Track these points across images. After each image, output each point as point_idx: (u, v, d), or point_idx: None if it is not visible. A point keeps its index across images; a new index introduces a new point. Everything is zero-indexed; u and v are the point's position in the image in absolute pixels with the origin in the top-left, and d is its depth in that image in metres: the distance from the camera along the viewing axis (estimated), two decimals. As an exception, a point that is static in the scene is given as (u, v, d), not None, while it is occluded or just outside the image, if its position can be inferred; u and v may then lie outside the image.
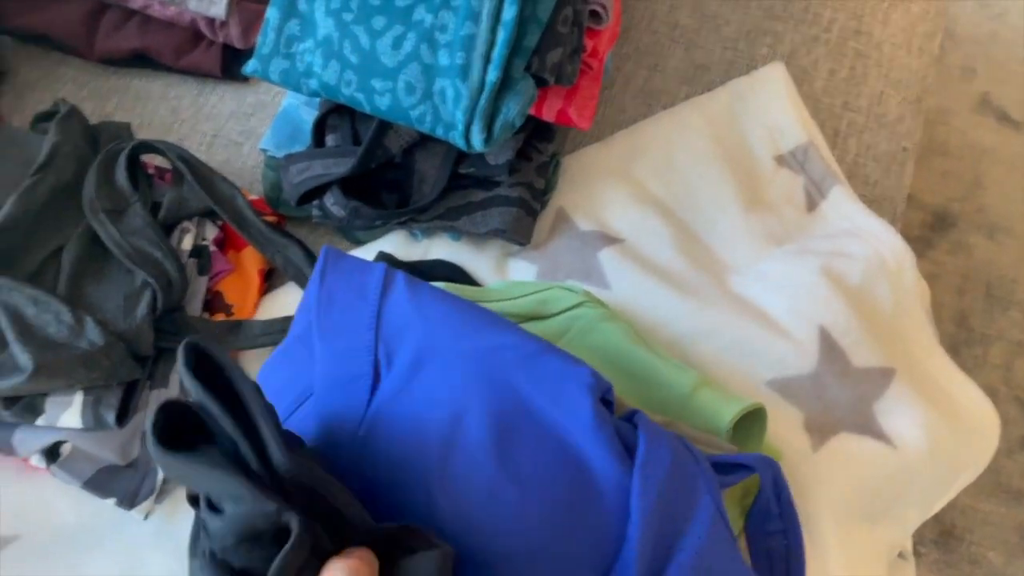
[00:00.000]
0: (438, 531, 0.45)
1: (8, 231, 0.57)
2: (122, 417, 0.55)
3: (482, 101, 0.53)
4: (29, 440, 0.55)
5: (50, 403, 0.55)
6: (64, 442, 0.55)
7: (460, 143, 0.56)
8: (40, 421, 0.55)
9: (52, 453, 0.56)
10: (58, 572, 0.56)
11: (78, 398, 0.54)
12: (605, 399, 0.48)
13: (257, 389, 0.36)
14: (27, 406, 0.54)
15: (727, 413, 0.51)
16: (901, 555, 0.64)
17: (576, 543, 0.45)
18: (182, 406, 0.35)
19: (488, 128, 0.54)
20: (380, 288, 0.51)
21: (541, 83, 0.56)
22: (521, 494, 0.44)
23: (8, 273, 0.56)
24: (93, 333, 0.54)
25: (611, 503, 0.45)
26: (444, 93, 0.55)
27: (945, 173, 1.34)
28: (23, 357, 0.52)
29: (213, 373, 0.36)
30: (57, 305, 0.55)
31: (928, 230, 1.23)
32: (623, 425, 0.48)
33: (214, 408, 0.35)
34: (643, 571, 0.45)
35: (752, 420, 0.53)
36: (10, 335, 0.54)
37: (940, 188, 1.34)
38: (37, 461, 0.56)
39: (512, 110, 0.54)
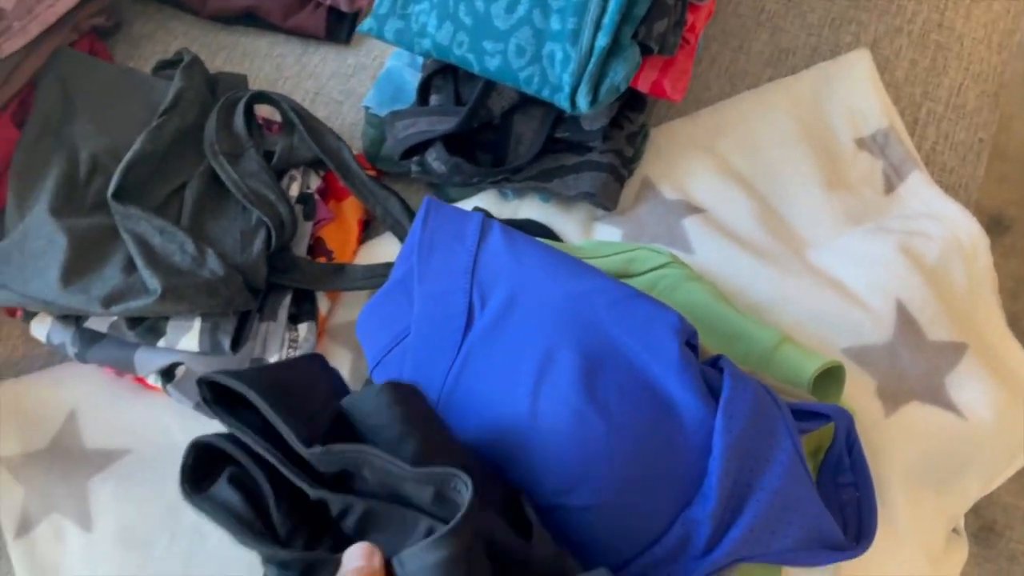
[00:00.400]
0: (526, 462, 0.48)
1: (137, 166, 0.61)
2: (236, 344, 0.59)
3: (591, 65, 0.57)
4: (149, 360, 0.59)
5: (171, 326, 0.59)
6: (180, 364, 0.59)
7: (565, 105, 0.59)
8: (160, 343, 0.59)
9: (168, 374, 0.60)
10: (166, 486, 0.60)
11: (197, 323, 0.58)
12: (690, 343, 0.51)
13: (277, 398, 0.40)
14: (150, 328, 0.59)
15: (809, 367, 0.53)
16: (955, 531, 0.66)
17: (660, 476, 0.48)
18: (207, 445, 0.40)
19: (594, 91, 0.58)
20: (478, 235, 0.54)
21: (646, 51, 0.59)
22: (608, 428, 0.47)
23: (137, 204, 0.60)
24: (214, 263, 0.58)
25: (694, 439, 0.48)
26: (553, 56, 0.58)
27: (1003, 177, 1.35)
28: (152, 281, 0.56)
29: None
30: (182, 236, 0.59)
31: (983, 233, 1.24)
32: (708, 369, 0.51)
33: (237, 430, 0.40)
34: (722, 505, 0.48)
35: (830, 380, 0.56)
36: (139, 261, 0.58)
37: (997, 192, 1.35)
38: (154, 380, 0.60)
39: (619, 75, 0.57)
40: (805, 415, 0.52)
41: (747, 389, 0.49)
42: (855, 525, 0.53)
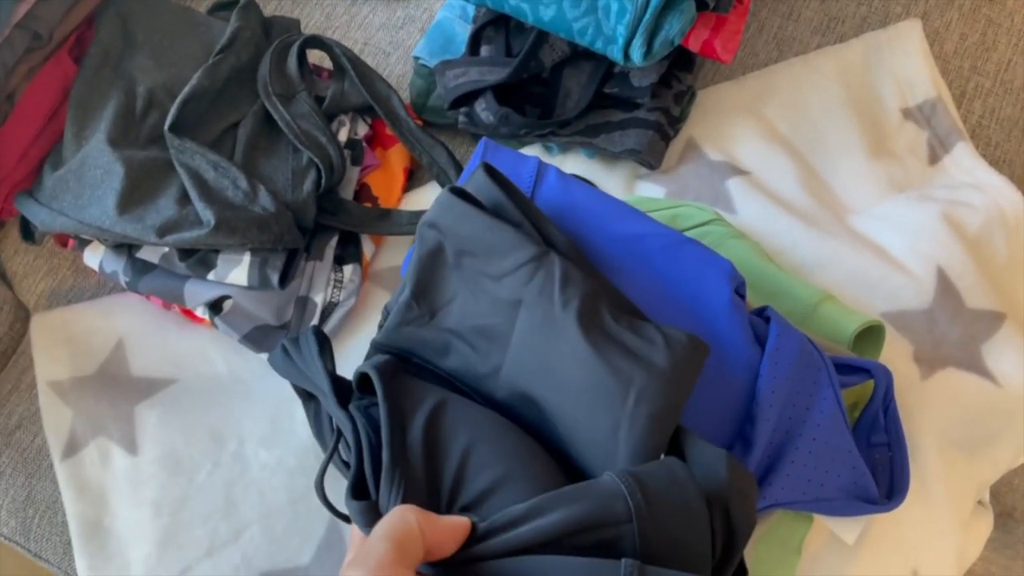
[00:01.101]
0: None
1: (194, 101, 0.62)
2: (283, 280, 0.60)
3: (647, 16, 0.57)
4: (198, 292, 0.60)
5: (221, 260, 0.60)
6: (228, 298, 0.61)
7: (618, 57, 0.59)
8: (211, 276, 0.60)
9: (215, 307, 0.61)
10: (209, 415, 0.61)
11: (247, 258, 0.60)
12: (739, 292, 0.51)
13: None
14: (201, 260, 0.60)
15: (850, 325, 0.54)
16: (981, 503, 0.66)
17: (706, 413, 0.48)
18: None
19: (648, 44, 0.58)
20: (534, 177, 0.55)
21: (701, 7, 0.60)
22: None
23: (192, 139, 0.61)
24: (266, 200, 0.59)
25: (740, 381, 0.49)
26: (609, 7, 0.58)
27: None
28: (206, 213, 0.58)
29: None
30: (235, 172, 0.60)
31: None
32: (754, 319, 0.52)
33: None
34: (763, 450, 0.49)
35: (869, 339, 0.57)
36: (193, 194, 0.59)
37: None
38: (202, 312, 0.61)
39: (674, 27, 0.57)
40: (846, 369, 0.53)
41: (792, 338, 0.50)
42: (887, 485, 0.54)
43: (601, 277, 0.47)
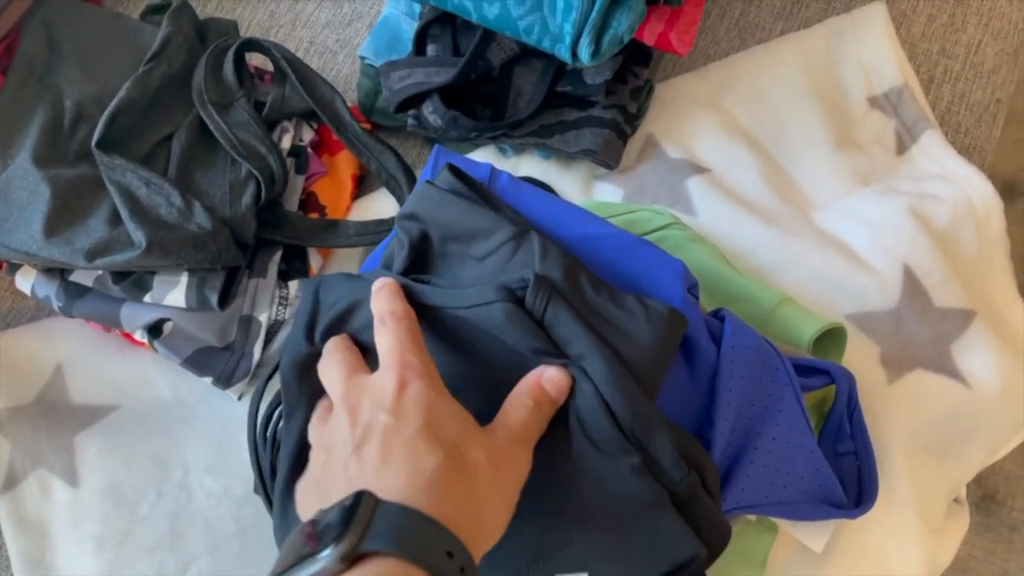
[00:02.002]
0: None
1: (123, 114, 0.59)
2: (223, 300, 0.58)
3: (593, 14, 0.54)
4: (135, 315, 0.58)
5: (158, 281, 0.57)
6: (167, 320, 0.58)
7: (565, 56, 0.56)
8: (147, 298, 0.57)
9: (155, 330, 0.58)
10: (153, 442, 0.59)
11: (184, 279, 0.57)
12: (692, 292, 0.49)
13: None
14: (136, 282, 0.57)
15: (809, 329, 0.52)
16: (957, 500, 0.65)
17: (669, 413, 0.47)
18: None
19: (596, 42, 0.55)
20: (487, 182, 0.53)
21: (651, 1, 0.57)
22: None
23: (122, 154, 0.58)
24: (201, 217, 0.57)
25: (697, 380, 0.47)
26: (554, 5, 0.55)
27: (1018, 142, 1.31)
28: (137, 234, 0.55)
29: None
30: (168, 188, 0.57)
31: (996, 198, 1.21)
32: (710, 319, 0.50)
33: None
34: (723, 449, 0.47)
35: (831, 342, 0.55)
36: (124, 213, 0.56)
37: (1012, 157, 1.32)
38: (140, 336, 0.58)
39: (622, 25, 0.55)
40: (806, 371, 0.51)
41: (748, 335, 0.48)
42: (855, 494, 0.52)
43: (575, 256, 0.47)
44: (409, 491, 0.35)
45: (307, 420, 0.45)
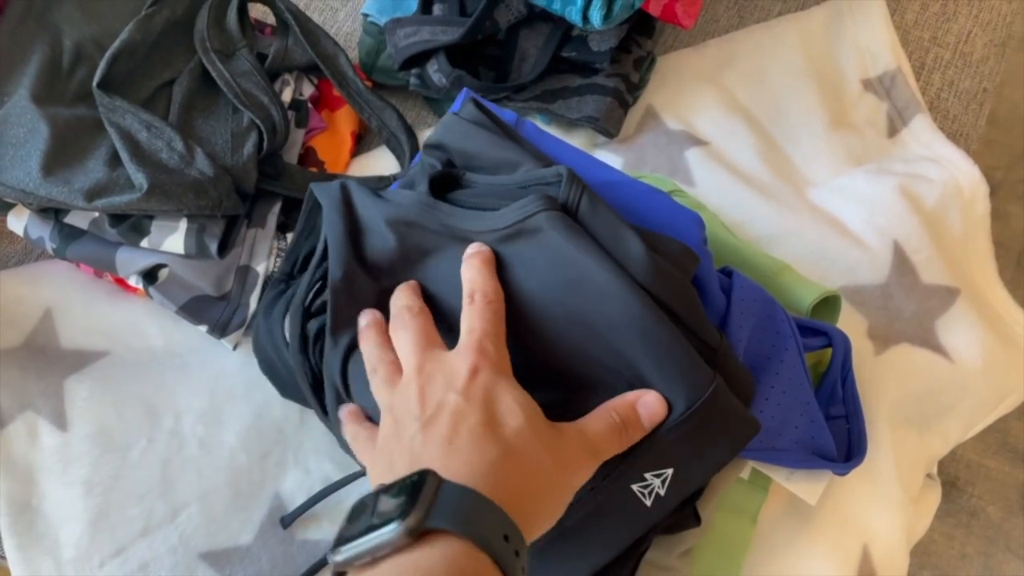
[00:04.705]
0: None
1: (124, 56, 0.58)
2: (223, 249, 0.57)
3: (606, -23, 0.55)
4: (131, 260, 0.57)
5: (156, 226, 0.56)
6: (163, 266, 0.57)
7: (576, 19, 0.57)
8: (144, 243, 0.57)
9: (150, 276, 0.58)
10: (144, 389, 0.58)
11: (183, 224, 0.56)
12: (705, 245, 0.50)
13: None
14: (133, 226, 0.56)
15: (808, 295, 0.53)
16: (930, 476, 0.67)
17: None
18: None
19: (608, 6, 0.56)
20: (513, 127, 0.53)
21: (662, -31, 0.57)
22: None
23: (123, 96, 0.57)
24: (203, 163, 0.56)
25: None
26: (568, -33, 0.56)
27: (991, 141, 1.35)
28: (138, 176, 0.54)
29: None
30: (170, 133, 0.56)
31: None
32: (719, 274, 0.51)
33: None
34: None
35: (825, 311, 0.56)
36: (124, 155, 0.55)
37: (984, 155, 1.36)
38: (135, 281, 0.58)
39: (634, -10, 0.55)
40: (806, 331, 0.53)
41: (755, 288, 0.49)
42: (844, 454, 0.53)
43: None
44: (468, 474, 0.37)
45: (354, 340, 0.47)
